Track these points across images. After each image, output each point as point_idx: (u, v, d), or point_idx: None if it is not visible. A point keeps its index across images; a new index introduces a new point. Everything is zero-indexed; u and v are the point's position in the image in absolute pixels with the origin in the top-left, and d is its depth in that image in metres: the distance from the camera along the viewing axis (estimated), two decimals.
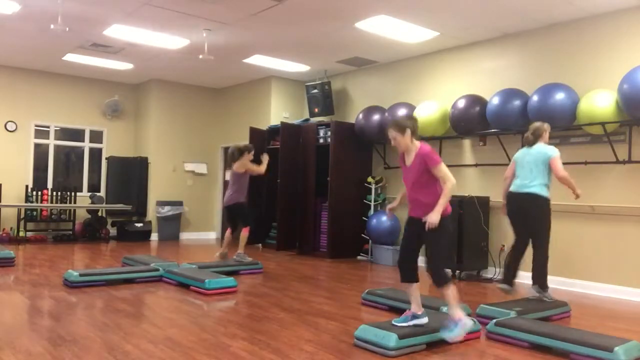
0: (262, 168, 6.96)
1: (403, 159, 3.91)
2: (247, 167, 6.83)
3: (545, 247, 4.82)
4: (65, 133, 10.52)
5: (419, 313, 3.80)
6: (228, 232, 7.00)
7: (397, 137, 3.77)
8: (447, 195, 3.65)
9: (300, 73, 9.50)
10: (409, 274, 3.86)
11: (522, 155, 4.96)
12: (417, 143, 3.81)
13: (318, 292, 5.66)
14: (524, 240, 4.91)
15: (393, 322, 3.76)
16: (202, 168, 11.18)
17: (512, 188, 4.92)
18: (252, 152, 6.94)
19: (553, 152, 4.79)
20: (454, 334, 3.63)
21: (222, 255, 6.86)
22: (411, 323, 3.75)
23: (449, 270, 3.75)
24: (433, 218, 3.60)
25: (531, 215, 4.81)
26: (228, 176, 7.08)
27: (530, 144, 4.94)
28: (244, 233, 6.87)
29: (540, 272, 4.86)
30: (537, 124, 5.04)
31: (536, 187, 4.74)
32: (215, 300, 5.13)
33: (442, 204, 3.63)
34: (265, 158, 7.14)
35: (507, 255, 5.05)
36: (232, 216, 7.02)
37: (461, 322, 3.65)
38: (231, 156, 6.90)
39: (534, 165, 4.79)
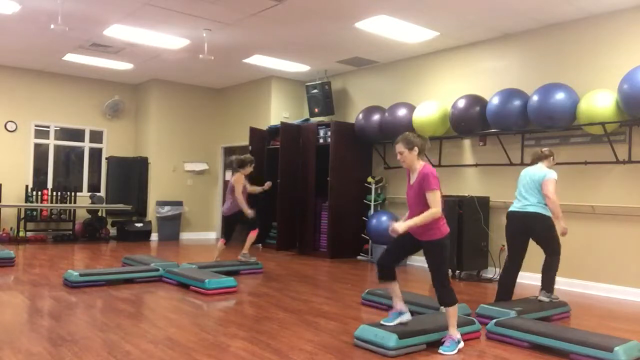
0: (252, 189, 6.78)
1: (409, 174, 3.89)
2: (236, 183, 6.63)
3: (559, 255, 4.83)
4: (65, 133, 10.52)
5: (404, 310, 3.81)
6: (221, 242, 6.92)
7: (404, 153, 3.75)
8: (424, 218, 3.60)
9: (300, 73, 9.50)
10: (388, 275, 3.84)
11: (524, 173, 4.98)
12: (422, 162, 3.79)
13: (318, 292, 5.66)
14: (518, 264, 4.89)
15: (382, 322, 3.76)
16: (202, 166, 11.17)
17: (513, 208, 4.91)
18: (253, 165, 6.86)
19: (549, 174, 4.79)
20: (450, 351, 3.62)
21: (244, 258, 6.78)
22: (398, 321, 3.74)
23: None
24: (397, 226, 3.60)
25: (535, 233, 4.81)
26: (228, 181, 6.98)
27: (534, 162, 4.98)
28: (252, 235, 6.80)
29: (551, 278, 4.86)
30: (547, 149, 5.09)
31: (535, 206, 4.75)
32: (215, 300, 5.13)
33: (415, 222, 3.61)
34: (267, 185, 7.04)
35: (500, 278, 5.03)
36: (230, 226, 6.94)
37: (460, 343, 3.70)
38: (238, 165, 6.75)
39: (532, 185, 4.81)
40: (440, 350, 3.62)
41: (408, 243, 3.84)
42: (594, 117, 5.79)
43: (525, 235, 4.84)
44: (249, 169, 6.77)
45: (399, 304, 3.83)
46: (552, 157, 5.01)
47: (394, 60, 8.48)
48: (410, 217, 3.77)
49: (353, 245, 8.53)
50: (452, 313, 3.70)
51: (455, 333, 3.71)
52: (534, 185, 4.80)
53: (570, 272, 6.14)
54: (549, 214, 4.75)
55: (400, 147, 3.76)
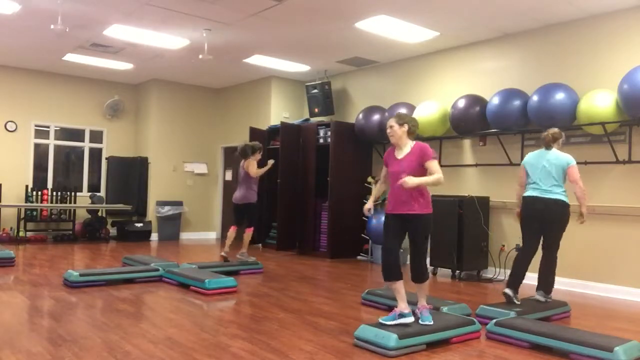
0: (260, 171, 6.93)
1: (393, 153, 4.04)
2: (249, 166, 6.84)
3: (557, 252, 4.84)
4: (65, 133, 10.52)
5: (406, 311, 3.81)
6: (232, 230, 6.98)
7: (394, 127, 3.97)
8: (432, 180, 3.80)
9: (300, 73, 9.50)
10: (396, 273, 3.90)
11: (536, 159, 4.87)
12: (412, 142, 3.99)
13: (318, 292, 5.66)
14: (534, 248, 4.84)
15: (380, 320, 3.77)
16: (202, 168, 11.18)
17: (533, 192, 4.79)
18: (261, 152, 7.01)
19: (572, 159, 4.73)
20: (429, 321, 3.84)
21: (225, 257, 6.80)
22: (398, 322, 3.73)
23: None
24: (409, 180, 3.70)
25: (554, 221, 4.76)
26: (239, 172, 7.06)
27: (547, 146, 4.85)
28: (248, 233, 6.93)
29: (549, 278, 4.84)
30: (556, 129, 4.95)
31: (559, 194, 4.70)
32: (215, 300, 5.13)
33: (425, 180, 3.79)
34: (270, 163, 7.18)
35: (515, 261, 4.93)
36: (241, 214, 7.02)
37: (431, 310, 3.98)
38: (243, 153, 6.90)
39: (554, 172, 4.73)
40: (420, 322, 3.82)
41: (399, 229, 3.94)
42: (594, 117, 5.79)
43: (543, 222, 4.76)
44: (258, 155, 6.93)
45: (402, 305, 3.83)
46: (561, 139, 4.90)
47: (394, 60, 8.49)
48: (396, 193, 3.90)
49: (353, 245, 8.53)
50: (427, 287, 4.06)
51: (426, 303, 3.98)
52: (555, 171, 4.70)
53: (570, 272, 6.15)
54: (567, 201, 4.72)
55: (392, 121, 4.00)
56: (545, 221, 4.77)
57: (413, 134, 4.00)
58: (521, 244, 4.96)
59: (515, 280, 4.81)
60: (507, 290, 4.74)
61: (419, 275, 3.93)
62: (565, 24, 6.46)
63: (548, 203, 4.70)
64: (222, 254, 6.84)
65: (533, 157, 4.92)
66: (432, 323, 3.81)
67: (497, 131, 6.77)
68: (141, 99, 11.07)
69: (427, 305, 3.97)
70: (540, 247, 4.88)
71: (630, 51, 5.88)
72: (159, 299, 5.19)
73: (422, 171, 3.86)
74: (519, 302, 4.70)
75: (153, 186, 10.58)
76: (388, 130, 4.01)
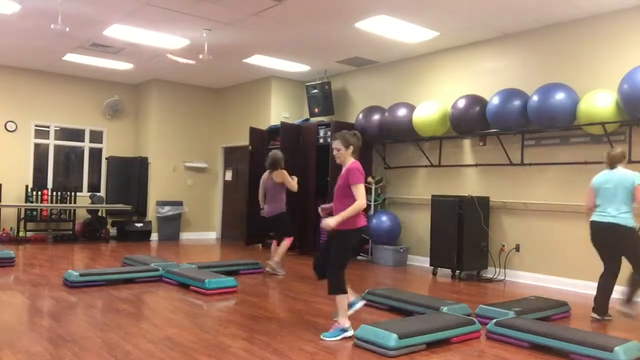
0: (295, 185, 6.82)
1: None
2: (285, 179, 6.72)
3: None
4: (65, 133, 10.52)
5: (347, 325, 3.86)
6: (275, 244, 6.86)
7: (341, 150, 4.04)
8: (351, 210, 3.82)
9: (300, 73, 9.50)
10: (322, 273, 4.04)
11: (601, 180, 4.74)
12: (352, 159, 4.04)
13: (318, 292, 5.65)
14: (611, 270, 4.76)
15: (322, 337, 3.84)
16: (202, 165, 11.17)
17: (595, 217, 4.73)
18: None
19: (638, 178, 4.57)
20: (332, 337, 3.81)
21: (275, 267, 6.67)
22: (342, 336, 3.79)
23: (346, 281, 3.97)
24: (329, 221, 3.80)
25: (617, 245, 4.68)
26: (264, 185, 6.88)
27: (613, 165, 4.71)
28: (286, 242, 6.74)
29: (636, 291, 4.69)
30: (619, 149, 4.83)
31: (616, 217, 4.59)
32: (215, 300, 5.13)
33: (344, 215, 3.82)
34: (294, 179, 6.97)
35: (598, 285, 4.84)
36: (274, 227, 6.94)
37: (345, 332, 3.85)
38: (273, 164, 6.76)
39: (619, 192, 4.60)
40: (322, 336, 3.83)
41: (332, 238, 4.02)
42: (594, 117, 5.79)
43: (607, 246, 4.71)
44: (283, 165, 6.84)
45: (351, 297, 3.97)
46: (624, 158, 4.79)
47: (394, 60, 8.48)
48: (334, 209, 4.00)
49: None
50: (340, 302, 3.87)
51: (343, 321, 3.87)
52: (621, 191, 4.58)
53: (570, 272, 6.14)
54: (631, 224, 4.58)
55: (338, 144, 4.05)
56: (608, 245, 4.71)
57: (356, 151, 4.06)
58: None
59: (600, 305, 4.77)
60: (595, 315, 4.75)
61: (330, 288, 3.89)
62: (565, 24, 6.46)
63: (604, 227, 4.65)
64: (268, 269, 6.70)
65: (599, 178, 4.79)
66: (331, 339, 3.78)
67: (497, 131, 6.77)
68: (141, 99, 11.07)
69: (341, 323, 3.88)
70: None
71: (630, 51, 5.88)
72: (159, 299, 5.19)
73: (350, 192, 3.89)
74: (611, 318, 4.73)
75: (153, 186, 10.58)
76: (335, 153, 4.06)
